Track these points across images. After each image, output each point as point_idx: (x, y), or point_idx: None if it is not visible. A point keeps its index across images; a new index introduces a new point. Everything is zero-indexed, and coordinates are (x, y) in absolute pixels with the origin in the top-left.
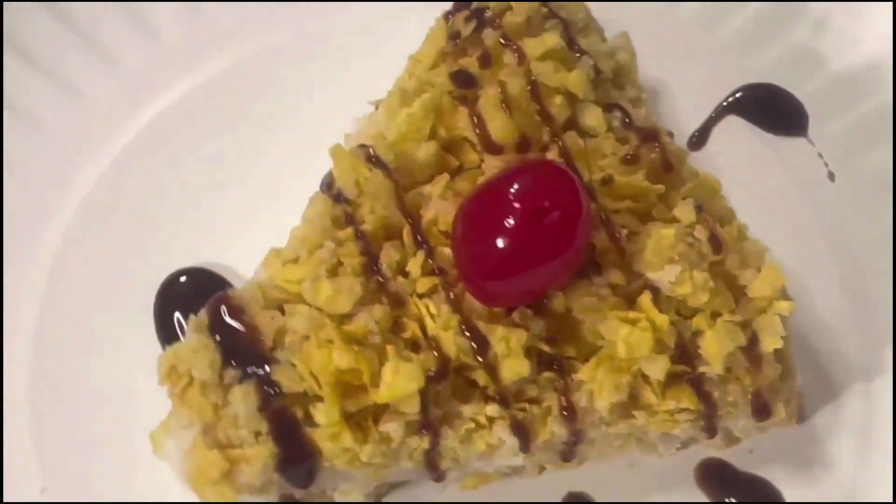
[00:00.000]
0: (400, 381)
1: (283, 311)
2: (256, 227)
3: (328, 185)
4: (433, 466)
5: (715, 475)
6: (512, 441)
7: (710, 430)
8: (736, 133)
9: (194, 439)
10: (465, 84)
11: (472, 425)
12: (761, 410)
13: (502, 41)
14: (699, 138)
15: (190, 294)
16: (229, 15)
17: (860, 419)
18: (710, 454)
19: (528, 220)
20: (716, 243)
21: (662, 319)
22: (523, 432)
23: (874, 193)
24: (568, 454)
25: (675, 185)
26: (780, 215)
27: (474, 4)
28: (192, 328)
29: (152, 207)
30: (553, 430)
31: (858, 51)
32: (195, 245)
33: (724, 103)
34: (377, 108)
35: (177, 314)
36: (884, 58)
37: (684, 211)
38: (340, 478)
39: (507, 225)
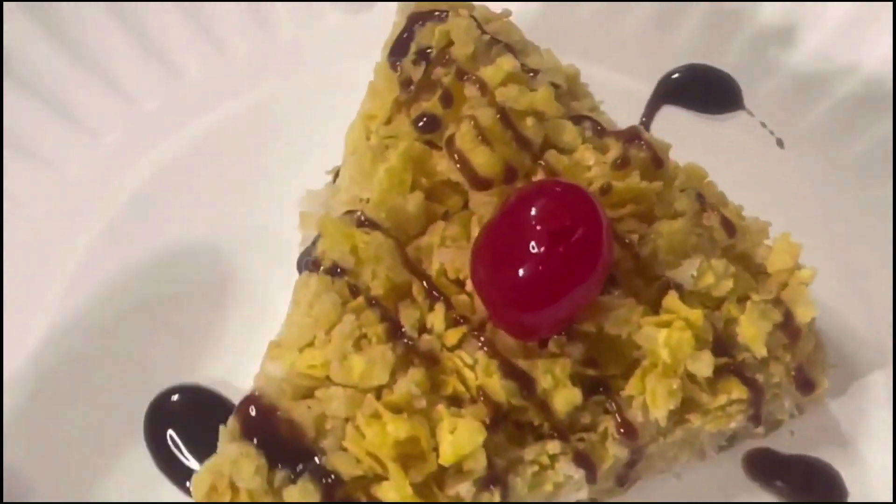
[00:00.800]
0: (462, 438)
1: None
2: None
3: (314, 262)
4: None
5: (763, 462)
6: (578, 474)
7: (758, 418)
8: (675, 120)
9: None
10: (431, 128)
11: (537, 467)
12: (806, 384)
13: (458, 76)
14: None
15: (182, 412)
16: None
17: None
18: (753, 445)
19: (553, 242)
20: (728, 227)
21: (696, 315)
22: (587, 462)
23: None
24: (624, 477)
25: (668, 181)
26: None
27: (413, 45)
28: (225, 438)
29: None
30: (615, 453)
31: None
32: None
33: (655, 95)
34: (336, 176)
35: (170, 431)
36: (792, 11)
37: (686, 202)
38: None
39: (533, 252)
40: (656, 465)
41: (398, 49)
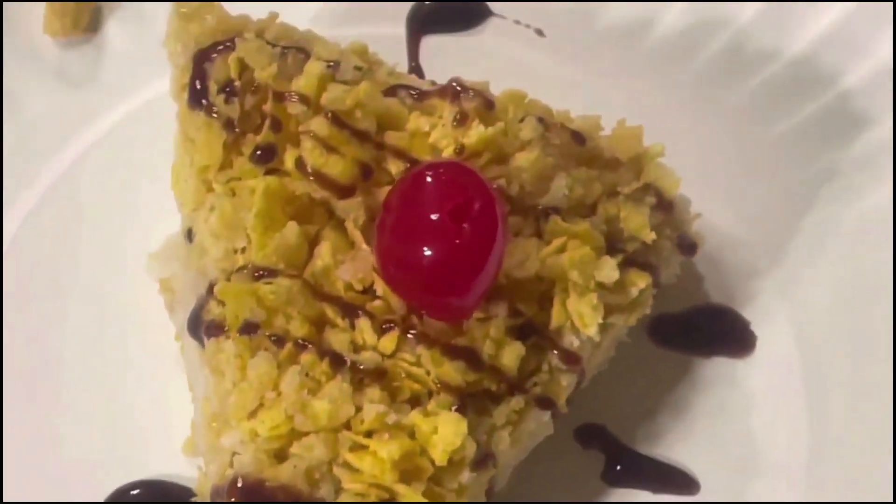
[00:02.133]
0: (448, 433)
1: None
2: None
3: (216, 327)
4: (491, 487)
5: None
6: (546, 416)
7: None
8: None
9: None
10: (268, 157)
11: (511, 427)
12: (690, 248)
13: (276, 99)
14: None
15: None
16: None
17: None
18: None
19: (456, 220)
20: (576, 137)
21: (583, 228)
22: (548, 402)
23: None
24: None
25: (504, 117)
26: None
27: (212, 85)
28: None
29: None
30: (566, 383)
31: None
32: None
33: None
34: (191, 233)
35: None
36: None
37: (529, 130)
38: None
39: (442, 236)
40: (592, 371)
41: (197, 94)
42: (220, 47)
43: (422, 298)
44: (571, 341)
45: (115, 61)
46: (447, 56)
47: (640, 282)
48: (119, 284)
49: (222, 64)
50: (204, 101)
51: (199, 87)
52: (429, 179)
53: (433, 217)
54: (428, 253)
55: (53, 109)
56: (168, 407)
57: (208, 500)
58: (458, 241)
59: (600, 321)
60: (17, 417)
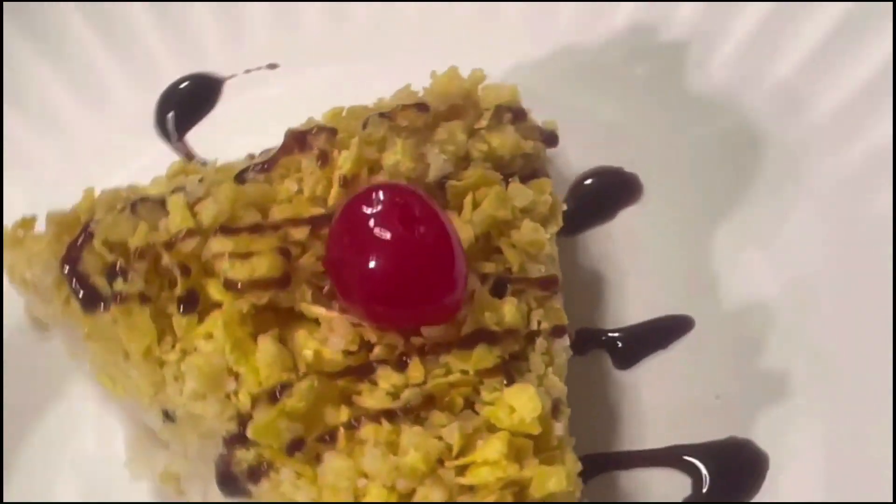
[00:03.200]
0: (523, 403)
1: None
2: None
3: (258, 471)
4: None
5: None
6: (565, 341)
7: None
8: None
9: None
10: (195, 303)
11: (549, 367)
12: (552, 138)
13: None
14: None
15: None
16: None
17: None
18: None
19: (408, 227)
20: (421, 107)
21: (474, 176)
22: (559, 330)
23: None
24: None
25: (356, 134)
26: None
27: (98, 279)
28: None
29: None
30: (558, 304)
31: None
32: None
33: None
34: (168, 414)
35: None
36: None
37: (376, 127)
38: None
39: (410, 250)
40: None
41: (88, 297)
42: (79, 243)
43: (418, 314)
44: (538, 269)
45: None
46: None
47: (545, 188)
48: None
49: (91, 256)
50: (99, 300)
51: (84, 290)
52: (353, 214)
53: (387, 236)
54: (409, 270)
55: None
56: None
57: None
58: (424, 245)
59: (546, 236)
60: None
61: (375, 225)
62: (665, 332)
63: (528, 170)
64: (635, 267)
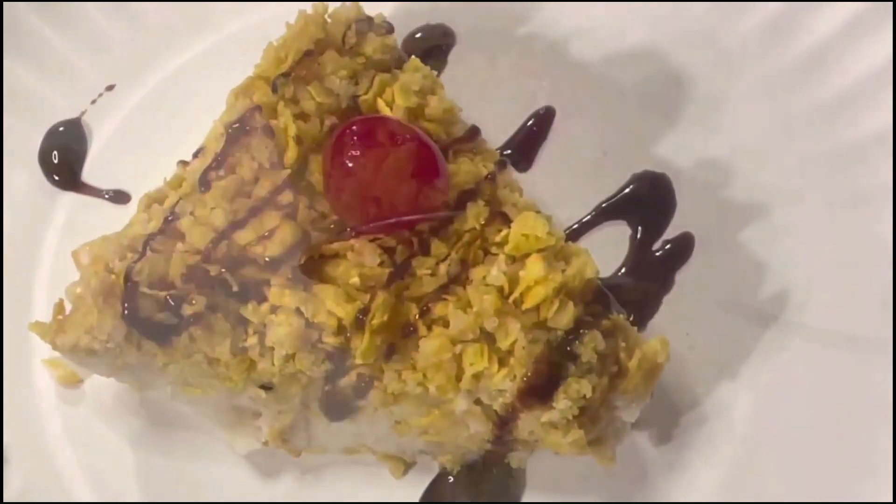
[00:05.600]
0: (533, 225)
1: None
2: None
3: (368, 379)
4: None
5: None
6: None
7: None
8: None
9: None
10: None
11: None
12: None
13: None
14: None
15: None
16: None
17: None
18: None
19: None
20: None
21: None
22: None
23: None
24: None
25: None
26: None
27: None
28: None
29: None
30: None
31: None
32: None
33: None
34: (266, 386)
35: None
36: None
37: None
38: None
39: (397, 146)
40: None
41: (161, 330)
42: (128, 296)
43: (418, 205)
44: (461, 129)
45: None
46: None
47: (417, 66)
48: None
49: (145, 301)
50: (170, 331)
51: (155, 330)
52: (343, 143)
53: (377, 149)
54: (403, 170)
55: None
56: None
57: None
58: (410, 142)
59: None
60: None
61: (364, 146)
62: None
63: (395, 62)
64: None
